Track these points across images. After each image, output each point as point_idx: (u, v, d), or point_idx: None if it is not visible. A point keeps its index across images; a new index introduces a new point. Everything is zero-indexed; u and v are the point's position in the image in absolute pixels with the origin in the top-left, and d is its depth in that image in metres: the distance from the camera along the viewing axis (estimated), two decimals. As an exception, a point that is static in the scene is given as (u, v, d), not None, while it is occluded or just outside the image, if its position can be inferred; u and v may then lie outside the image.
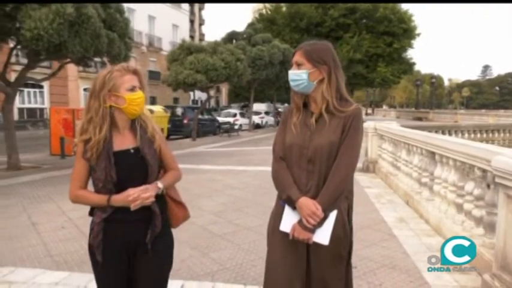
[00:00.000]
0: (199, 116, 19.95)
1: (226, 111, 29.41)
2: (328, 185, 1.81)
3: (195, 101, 40.79)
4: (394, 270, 3.66)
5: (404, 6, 33.60)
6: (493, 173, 3.11)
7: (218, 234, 4.71)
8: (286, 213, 1.89)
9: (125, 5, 11.12)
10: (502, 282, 2.87)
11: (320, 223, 1.80)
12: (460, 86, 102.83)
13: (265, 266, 2.02)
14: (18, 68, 14.37)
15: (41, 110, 25.80)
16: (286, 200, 1.88)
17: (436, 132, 9.83)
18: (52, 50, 8.04)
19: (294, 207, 1.86)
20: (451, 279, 3.40)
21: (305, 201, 1.80)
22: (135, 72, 1.87)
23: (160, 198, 1.89)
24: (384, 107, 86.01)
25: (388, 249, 4.22)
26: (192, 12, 49.00)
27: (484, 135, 11.75)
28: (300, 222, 1.83)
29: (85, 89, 29.25)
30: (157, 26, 35.31)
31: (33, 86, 23.30)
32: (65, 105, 23.47)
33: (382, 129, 8.62)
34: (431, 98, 52.68)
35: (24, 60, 13.15)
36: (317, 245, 1.84)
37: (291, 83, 1.90)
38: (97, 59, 11.17)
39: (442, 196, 4.86)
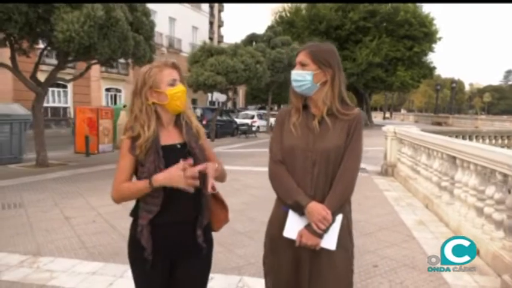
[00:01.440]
0: (218, 117, 20.24)
1: (243, 112, 29.66)
2: (336, 188, 1.78)
3: (212, 103, 41.19)
4: (415, 270, 3.77)
5: (426, 9, 33.34)
6: (514, 178, 3.20)
7: (242, 231, 4.89)
8: (290, 218, 1.83)
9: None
10: (521, 283, 2.97)
11: (328, 228, 1.77)
12: (481, 91, 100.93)
13: (267, 273, 1.98)
14: (44, 67, 14.87)
15: (64, 109, 26.44)
16: (292, 205, 1.81)
17: (456, 137, 9.82)
18: (82, 52, 8.39)
19: (301, 213, 1.80)
20: (471, 279, 3.50)
21: (315, 206, 1.75)
22: (174, 65, 1.85)
23: (204, 196, 1.84)
24: (402, 111, 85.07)
25: (408, 249, 4.32)
26: (211, 14, 49.50)
27: (506, 141, 11.64)
28: (308, 227, 1.77)
29: (107, 89, 29.92)
30: (177, 28, 35.79)
31: (57, 85, 23.91)
32: (87, 104, 24.04)
33: (401, 133, 8.67)
34: (451, 102, 51.91)
35: (51, 61, 13.68)
36: (324, 251, 1.79)
37: (293, 83, 1.86)
38: (121, 61, 11.54)
39: (462, 200, 4.93)
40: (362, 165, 9.34)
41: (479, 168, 4.44)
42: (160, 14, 32.71)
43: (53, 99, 25.58)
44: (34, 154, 10.01)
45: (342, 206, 1.80)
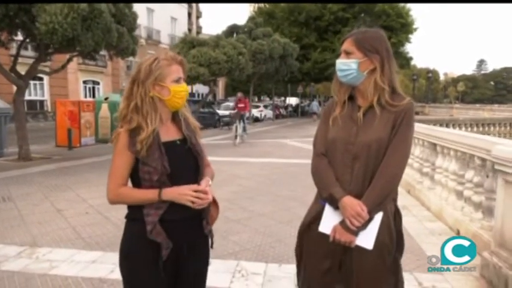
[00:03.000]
0: (200, 109, 20.23)
1: (225, 104, 29.66)
2: (375, 184, 1.68)
3: (192, 94, 40.97)
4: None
5: None
6: (493, 161, 3.44)
7: (234, 219, 5.03)
8: (326, 213, 1.77)
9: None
10: (499, 258, 3.22)
11: (364, 225, 1.67)
12: (455, 81, 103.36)
13: (300, 265, 1.95)
14: (20, 60, 14.44)
15: (41, 102, 25.90)
16: (327, 198, 1.75)
17: (434, 125, 10.18)
18: (65, 44, 8.28)
19: (336, 207, 1.73)
20: (453, 257, 3.74)
21: (349, 201, 1.67)
22: (181, 62, 1.78)
23: None
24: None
25: (394, 232, 4.55)
26: (189, 5, 48.89)
27: (481, 129, 12.13)
28: (342, 223, 1.70)
29: (84, 81, 29.39)
30: (155, 19, 35.33)
31: (33, 78, 23.32)
32: (65, 97, 23.62)
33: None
34: (428, 92, 53.10)
35: (26, 53, 13.35)
36: (359, 249, 1.72)
37: (338, 73, 1.76)
38: (102, 53, 11.38)
39: (443, 184, 5.20)
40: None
41: (459, 154, 4.70)
42: (138, 4, 32.14)
43: (29, 92, 24.90)
44: (14, 148, 9.87)
45: (382, 203, 1.69)
